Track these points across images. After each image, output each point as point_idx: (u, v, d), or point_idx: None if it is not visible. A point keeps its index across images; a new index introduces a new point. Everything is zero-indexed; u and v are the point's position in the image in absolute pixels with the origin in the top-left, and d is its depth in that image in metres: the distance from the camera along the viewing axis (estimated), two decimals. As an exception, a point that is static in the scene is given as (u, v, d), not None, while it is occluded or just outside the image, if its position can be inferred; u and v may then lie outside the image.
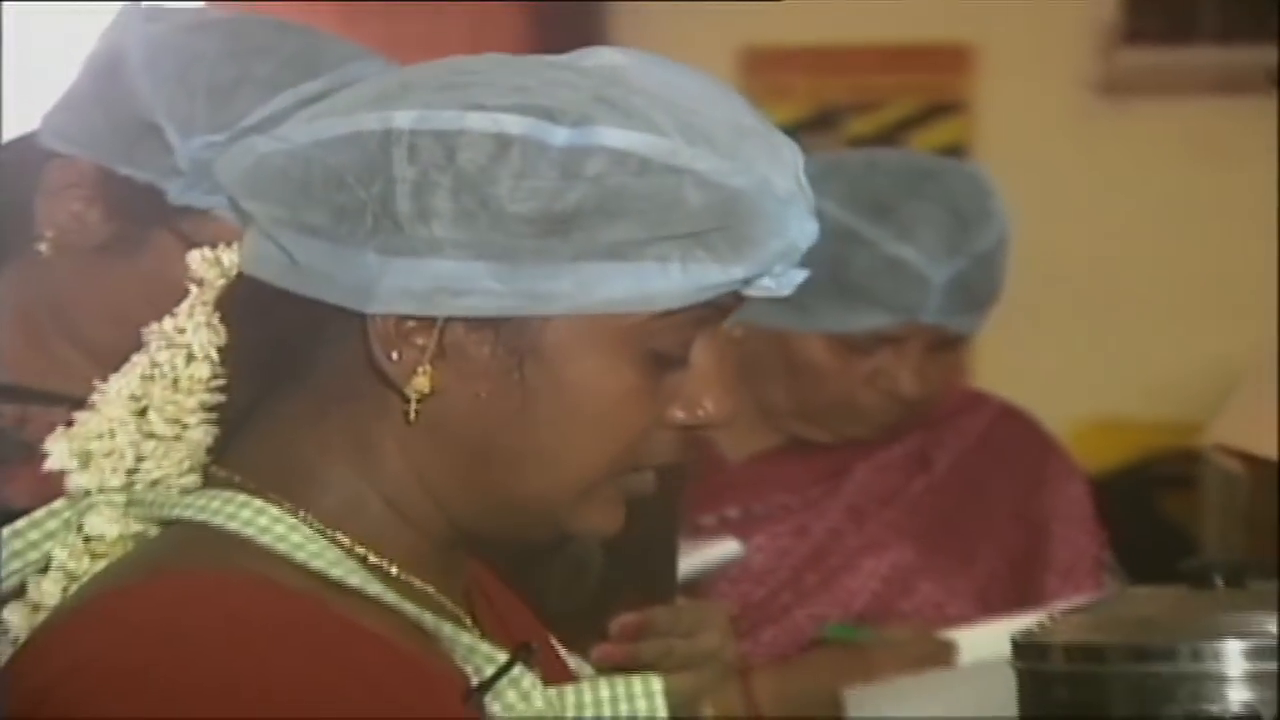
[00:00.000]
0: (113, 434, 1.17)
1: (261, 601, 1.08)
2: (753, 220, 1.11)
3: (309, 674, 1.05)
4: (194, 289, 1.18)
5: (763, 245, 1.12)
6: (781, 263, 1.13)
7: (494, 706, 1.11)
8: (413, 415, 1.11)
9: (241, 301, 1.16)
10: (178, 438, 1.17)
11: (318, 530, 1.13)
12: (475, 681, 1.11)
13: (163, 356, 1.17)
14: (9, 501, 1.51)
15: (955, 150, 3.62)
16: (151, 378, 1.17)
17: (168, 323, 1.18)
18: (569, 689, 1.13)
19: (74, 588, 1.16)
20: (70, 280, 1.57)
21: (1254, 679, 1.52)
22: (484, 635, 1.16)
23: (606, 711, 1.12)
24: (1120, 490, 3.28)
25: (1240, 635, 1.52)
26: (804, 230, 1.13)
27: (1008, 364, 3.17)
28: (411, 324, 1.11)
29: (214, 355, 1.17)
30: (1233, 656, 1.52)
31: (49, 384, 1.57)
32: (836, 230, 2.08)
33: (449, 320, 1.11)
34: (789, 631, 2.12)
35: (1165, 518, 3.47)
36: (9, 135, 1.68)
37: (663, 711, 1.12)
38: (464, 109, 1.10)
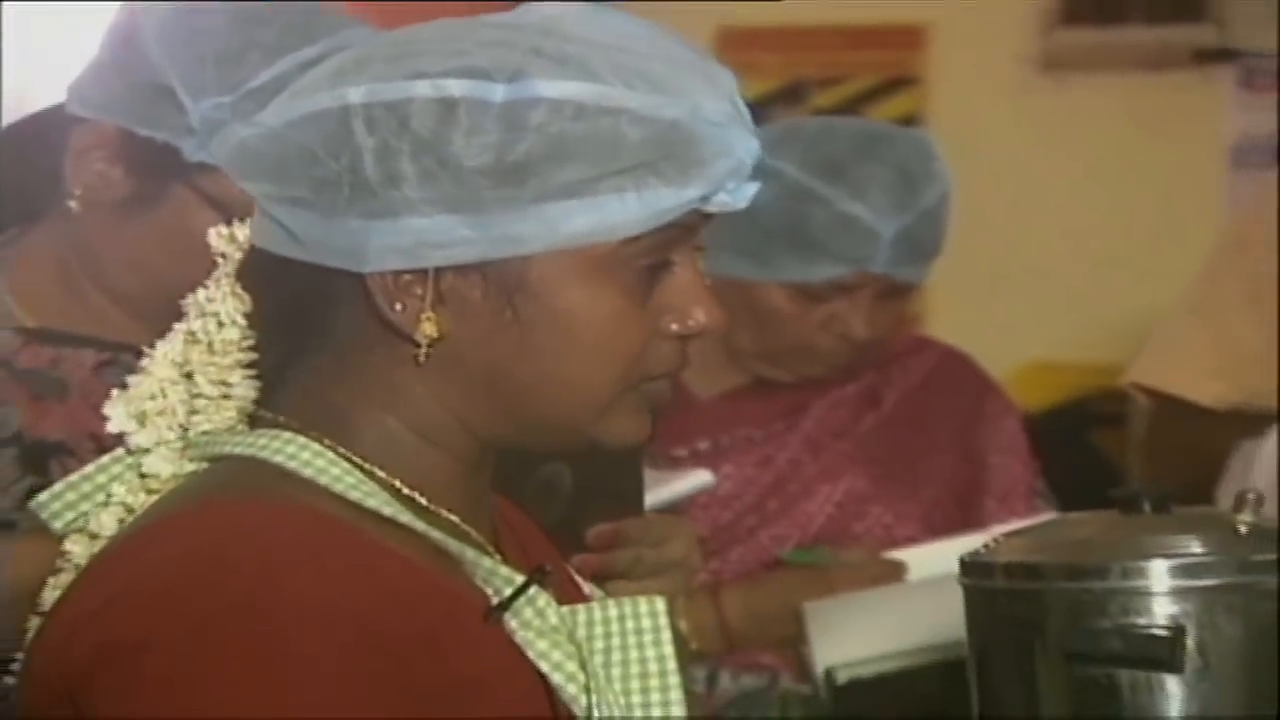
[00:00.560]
0: (164, 393, 1.18)
1: (302, 528, 1.08)
2: (694, 145, 1.10)
3: (344, 593, 1.05)
4: (219, 261, 1.19)
5: (709, 165, 1.11)
6: (732, 179, 1.12)
7: (512, 623, 1.11)
8: (423, 358, 1.12)
9: (258, 271, 1.17)
10: (225, 396, 1.18)
11: (355, 465, 1.13)
12: (495, 601, 1.11)
13: (198, 324, 1.18)
14: (44, 434, 1.54)
15: (910, 120, 3.61)
16: (191, 343, 1.18)
17: (200, 293, 1.18)
18: (580, 608, 1.14)
19: (129, 519, 1.17)
20: (98, 232, 1.57)
21: (1178, 594, 1.52)
22: (505, 560, 1.15)
23: (615, 628, 1.13)
24: (1057, 426, 3.29)
25: (1165, 555, 1.53)
26: (747, 148, 1.12)
27: (958, 312, 3.18)
28: (407, 277, 1.11)
29: (240, 320, 1.17)
30: (1159, 574, 1.53)
31: (79, 327, 1.58)
32: (795, 190, 2.09)
33: (439, 270, 1.11)
34: (754, 551, 2.12)
35: (1097, 451, 3.48)
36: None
37: (666, 628, 1.13)
38: (409, 78, 1.10)
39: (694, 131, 1.10)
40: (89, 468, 1.19)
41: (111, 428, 1.18)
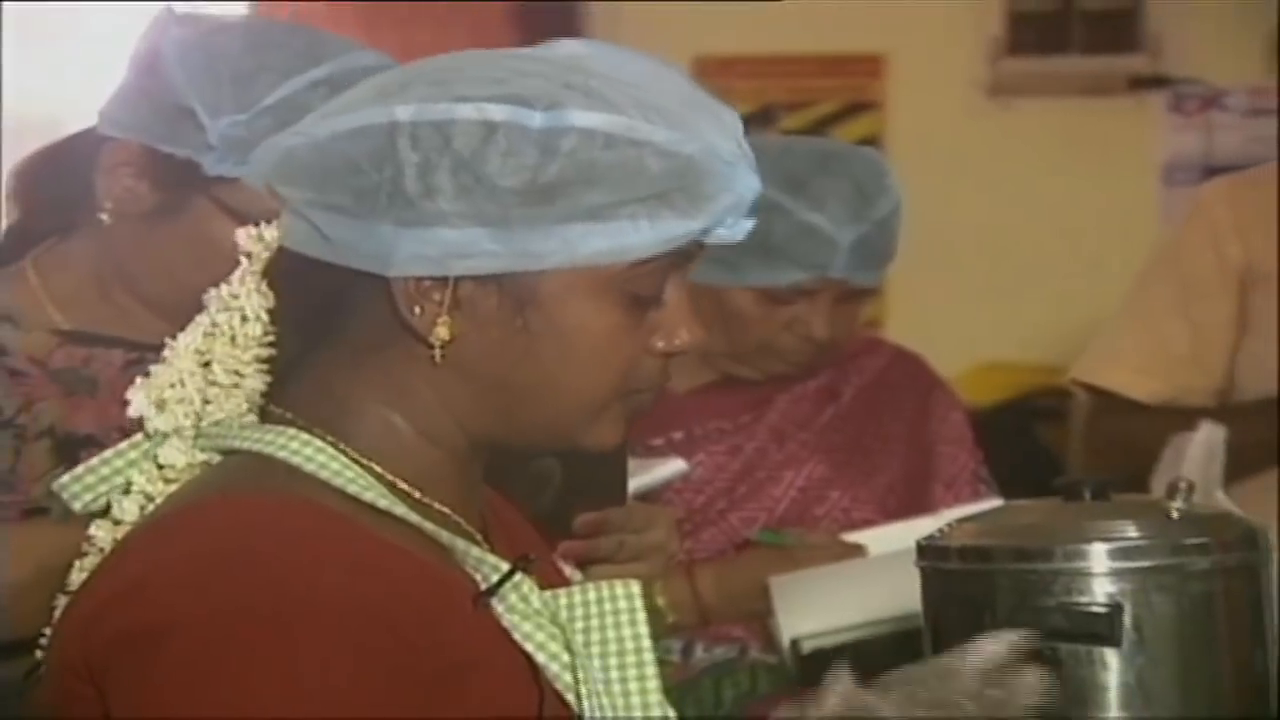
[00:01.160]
0: (183, 383, 1.17)
1: (306, 519, 1.08)
2: (705, 180, 1.10)
3: (343, 580, 1.05)
4: (244, 260, 1.18)
5: (715, 200, 1.11)
6: (733, 214, 1.13)
7: (499, 607, 1.11)
8: (438, 359, 1.11)
9: (284, 270, 1.16)
10: (236, 386, 1.17)
11: (354, 460, 1.12)
12: (483, 587, 1.11)
13: (221, 318, 1.17)
14: (76, 427, 1.53)
15: (870, 141, 3.61)
16: (213, 335, 1.17)
17: (224, 289, 1.17)
18: (561, 592, 1.13)
19: (150, 507, 1.16)
20: (127, 241, 1.57)
21: (1116, 575, 1.52)
22: (493, 549, 1.15)
23: (594, 610, 1.12)
24: (1004, 421, 3.28)
25: (1104, 539, 1.53)
26: (749, 185, 1.13)
27: (915, 316, 3.18)
28: (428, 283, 1.10)
29: (264, 316, 1.16)
30: (1098, 556, 1.52)
31: (109, 329, 1.57)
32: (761, 202, 2.08)
33: (459, 279, 1.10)
34: (725, 532, 2.11)
35: (1041, 444, 3.47)
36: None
37: (641, 610, 1.12)
38: (453, 101, 1.09)
39: (707, 168, 1.11)
40: (108, 453, 1.18)
41: (131, 412, 1.17)
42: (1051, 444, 3.38)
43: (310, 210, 1.11)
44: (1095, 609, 1.49)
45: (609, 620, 1.12)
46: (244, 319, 1.16)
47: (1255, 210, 2.35)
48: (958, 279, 3.62)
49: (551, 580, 1.19)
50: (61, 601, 1.14)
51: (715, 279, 2.08)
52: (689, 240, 1.12)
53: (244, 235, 1.17)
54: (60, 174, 1.60)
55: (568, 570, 1.28)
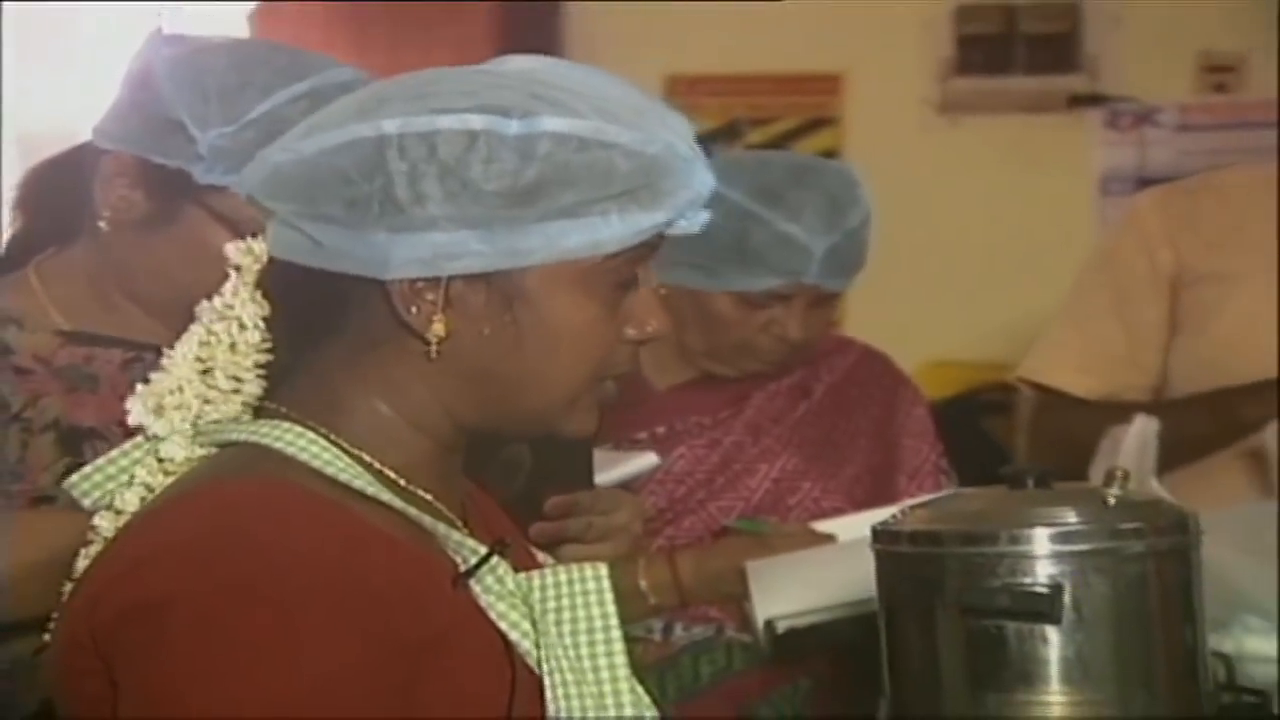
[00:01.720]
0: (181, 390, 1.16)
1: (297, 503, 1.08)
2: (666, 177, 1.11)
3: (333, 559, 1.05)
4: (233, 273, 1.17)
5: (675, 195, 1.11)
6: (691, 207, 1.13)
7: (476, 588, 1.11)
8: (434, 354, 1.10)
9: (278, 279, 1.15)
10: (236, 391, 1.17)
11: (345, 450, 1.12)
12: (462, 568, 1.11)
13: (219, 327, 1.16)
14: (79, 421, 1.53)
15: (829, 154, 3.60)
16: (209, 344, 1.16)
17: (217, 300, 1.17)
18: (534, 574, 1.13)
19: (150, 497, 1.15)
20: (124, 247, 1.56)
21: (1057, 557, 1.52)
22: (472, 534, 1.15)
23: (564, 591, 1.12)
24: (953, 415, 3.27)
25: (1046, 524, 1.53)
26: (704, 181, 1.13)
27: (870, 317, 3.16)
28: (421, 284, 1.10)
29: (261, 324, 1.15)
30: (1040, 540, 1.52)
31: (108, 330, 1.57)
32: (739, 212, 2.08)
33: (450, 278, 1.10)
34: (704, 520, 2.10)
35: (988, 436, 3.47)
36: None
37: (609, 590, 1.12)
38: (433, 113, 1.09)
39: (668, 165, 1.12)
40: (113, 453, 1.18)
41: (131, 420, 1.17)
42: (998, 436, 3.38)
43: (302, 221, 1.11)
44: (1038, 589, 1.49)
45: (579, 600, 1.12)
46: (242, 327, 1.15)
47: (1185, 218, 2.36)
48: (910, 283, 3.62)
49: (525, 564, 1.19)
50: (69, 588, 1.14)
51: (696, 284, 2.09)
52: (654, 232, 1.12)
53: (233, 249, 1.16)
54: (60, 185, 1.60)
55: (540, 555, 1.27)
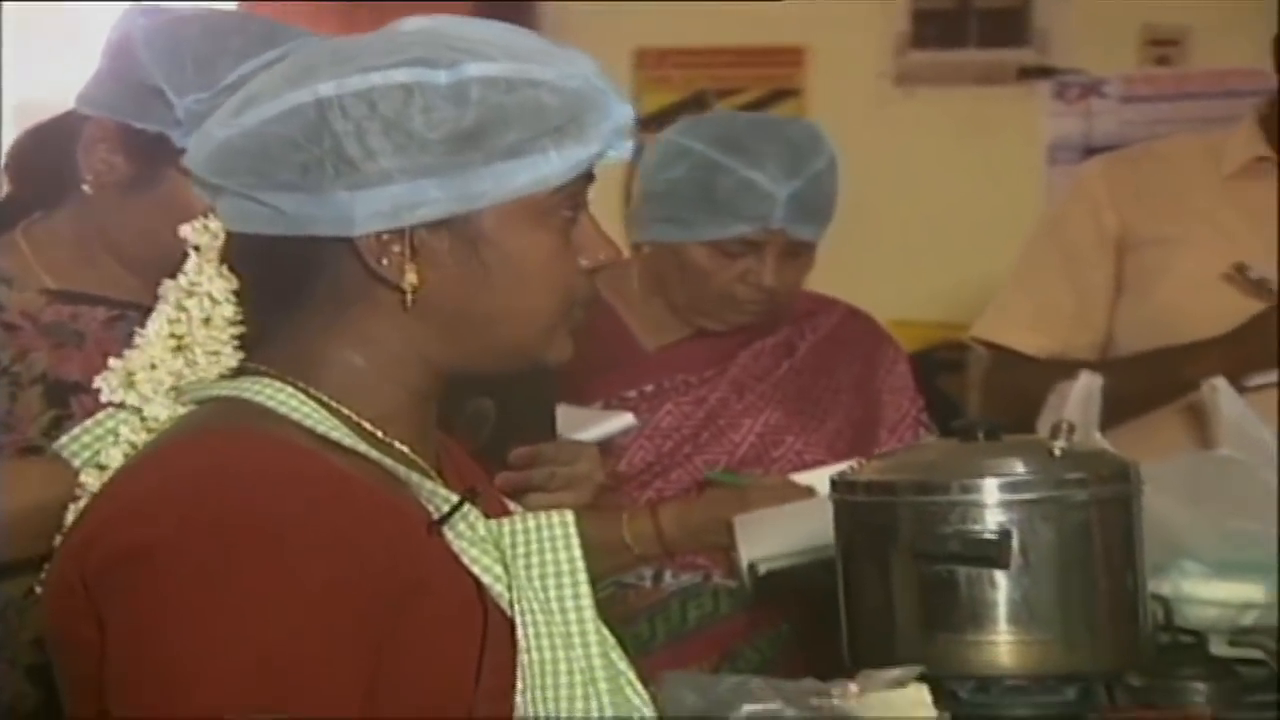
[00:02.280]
0: (154, 367, 1.15)
1: (278, 455, 1.07)
2: (590, 110, 1.10)
3: (310, 508, 1.04)
4: (193, 253, 1.15)
5: (601, 126, 1.11)
6: (618, 137, 1.12)
7: (449, 534, 1.10)
8: (409, 304, 1.09)
9: (244, 252, 1.13)
10: (214, 365, 1.15)
11: (323, 403, 1.11)
12: (435, 516, 1.10)
13: (190, 303, 1.14)
14: (66, 374, 1.53)
15: (791, 124, 3.59)
16: (179, 320, 1.15)
17: (181, 279, 1.15)
18: (504, 521, 1.12)
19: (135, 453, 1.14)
20: (108, 210, 1.55)
21: (1005, 506, 1.53)
22: (445, 483, 1.14)
23: (533, 536, 1.11)
24: (909, 372, 3.28)
25: (995, 475, 1.54)
26: (624, 110, 1.12)
27: (831, 279, 3.15)
28: (386, 237, 1.09)
29: (231, 297, 1.14)
30: (991, 490, 1.53)
31: (93, 289, 1.56)
32: (704, 163, 2.08)
33: (413, 228, 1.09)
34: (690, 473, 2.10)
35: (943, 393, 3.47)
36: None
37: (575, 537, 1.11)
38: (364, 72, 1.07)
39: (591, 98, 1.11)
40: (100, 414, 1.17)
41: (104, 398, 1.16)
42: (952, 393, 3.38)
43: (258, 192, 1.09)
44: (987, 536, 1.50)
45: (547, 546, 1.11)
46: (214, 302, 1.14)
47: (1129, 185, 2.37)
48: (869, 246, 3.61)
49: (496, 511, 1.18)
50: (58, 540, 1.13)
51: (671, 236, 2.09)
52: (589, 164, 1.12)
53: (189, 229, 1.15)
54: (46, 151, 1.59)
55: (510, 504, 1.27)
